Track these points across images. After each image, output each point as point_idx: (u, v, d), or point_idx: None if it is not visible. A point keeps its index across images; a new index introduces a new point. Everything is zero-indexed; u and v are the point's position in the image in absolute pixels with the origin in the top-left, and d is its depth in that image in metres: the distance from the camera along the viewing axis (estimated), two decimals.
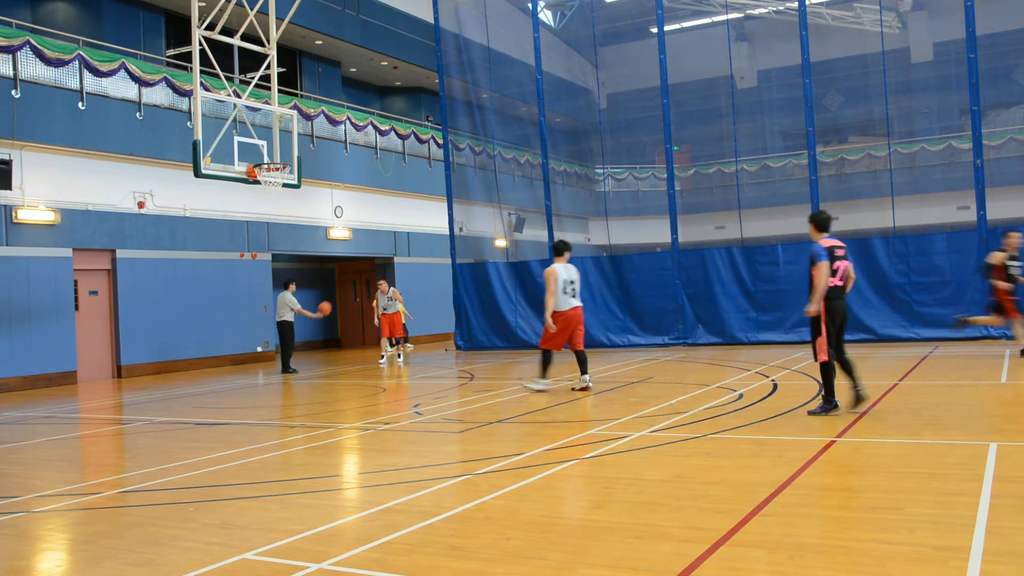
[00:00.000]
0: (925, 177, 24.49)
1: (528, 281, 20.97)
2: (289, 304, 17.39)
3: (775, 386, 10.93)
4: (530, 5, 21.58)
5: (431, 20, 22.85)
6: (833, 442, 6.99)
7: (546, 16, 26.89)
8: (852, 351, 8.59)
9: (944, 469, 5.95)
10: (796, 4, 19.02)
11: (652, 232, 23.05)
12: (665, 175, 20.36)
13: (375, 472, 6.99)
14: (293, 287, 17.80)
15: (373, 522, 5.25)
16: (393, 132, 25.78)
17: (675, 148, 21.42)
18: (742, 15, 25.63)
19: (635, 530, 4.79)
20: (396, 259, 26.27)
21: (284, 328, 17.53)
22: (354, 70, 29.07)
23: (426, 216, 26.87)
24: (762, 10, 25.45)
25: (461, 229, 22.34)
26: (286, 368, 17.53)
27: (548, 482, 6.10)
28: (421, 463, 7.18)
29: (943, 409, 8.61)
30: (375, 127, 25.05)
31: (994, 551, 4.15)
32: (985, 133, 19.05)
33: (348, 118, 24.05)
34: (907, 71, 24.21)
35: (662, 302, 19.29)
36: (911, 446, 6.81)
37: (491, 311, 21.18)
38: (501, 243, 22.87)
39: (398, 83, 31.08)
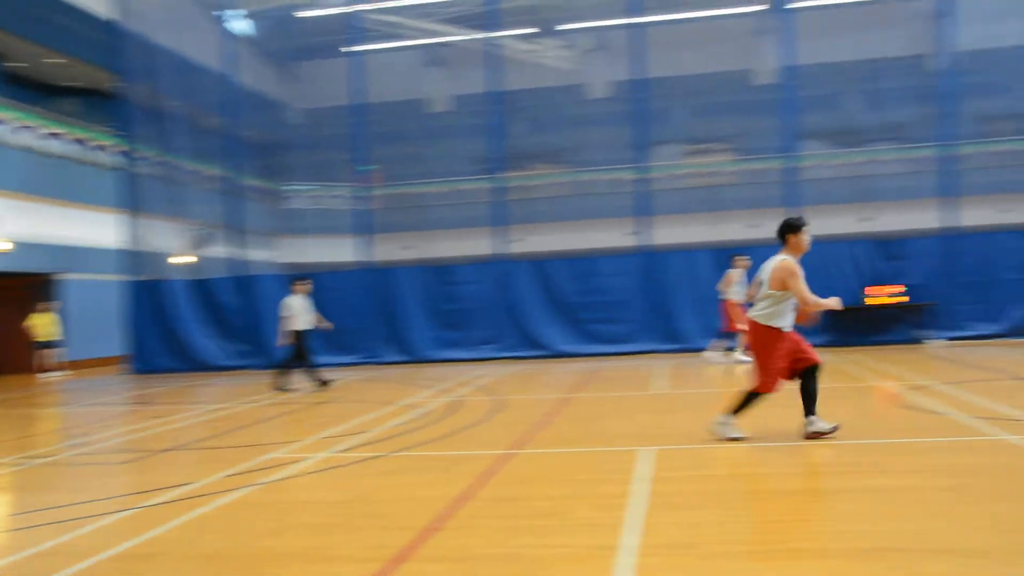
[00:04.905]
0: (601, 203, 26.43)
1: (212, 300, 19.99)
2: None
3: (458, 403, 11.26)
4: (219, 14, 20.75)
5: (112, 18, 21.22)
6: (511, 455, 7.33)
7: (239, 27, 25.99)
8: (528, 366, 9.07)
9: (604, 474, 6.45)
10: (487, 35, 19.86)
11: (343, 250, 22.93)
12: (357, 194, 20.35)
13: (25, 512, 6.27)
14: (299, 287, 14.02)
15: (22, 569, 4.72)
16: (65, 136, 23.60)
17: (368, 168, 21.53)
18: (436, 41, 26.36)
19: (315, 554, 4.72)
20: (65, 275, 23.95)
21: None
22: (19, 65, 26.19)
23: (100, 229, 24.76)
24: (455, 38, 26.35)
25: (139, 244, 20.83)
26: (319, 382, 13.98)
27: (225, 511, 5.82)
28: (81, 499, 6.56)
29: (606, 420, 9.32)
30: (43, 130, 22.78)
31: (648, 544, 4.60)
32: (648, 166, 20.95)
33: (11, 118, 21.66)
34: (584, 105, 26.14)
35: (355, 320, 19.18)
36: (578, 455, 7.31)
37: (170, 331, 19.90)
38: (183, 259, 21.62)
39: (72, 83, 28.42)
